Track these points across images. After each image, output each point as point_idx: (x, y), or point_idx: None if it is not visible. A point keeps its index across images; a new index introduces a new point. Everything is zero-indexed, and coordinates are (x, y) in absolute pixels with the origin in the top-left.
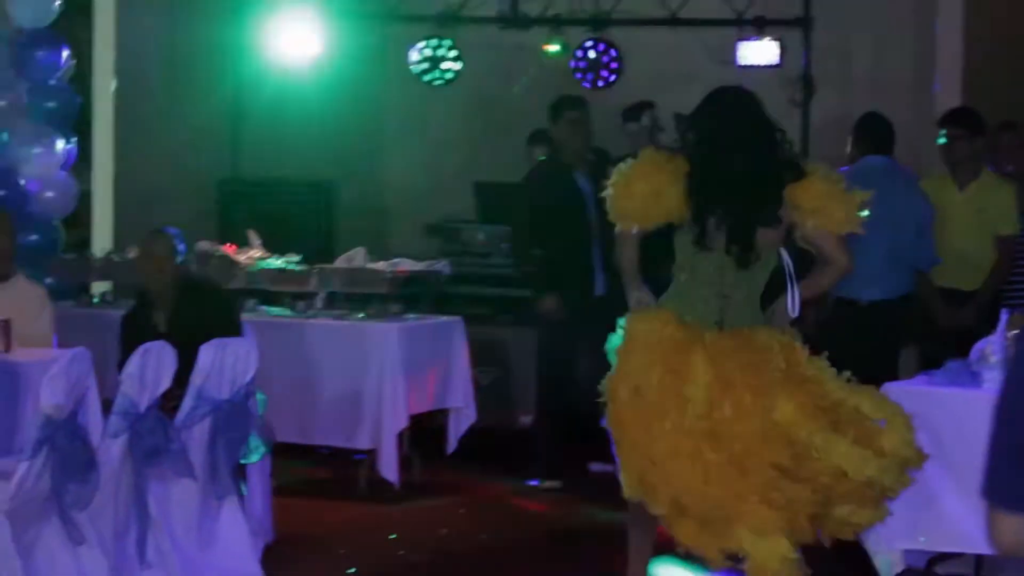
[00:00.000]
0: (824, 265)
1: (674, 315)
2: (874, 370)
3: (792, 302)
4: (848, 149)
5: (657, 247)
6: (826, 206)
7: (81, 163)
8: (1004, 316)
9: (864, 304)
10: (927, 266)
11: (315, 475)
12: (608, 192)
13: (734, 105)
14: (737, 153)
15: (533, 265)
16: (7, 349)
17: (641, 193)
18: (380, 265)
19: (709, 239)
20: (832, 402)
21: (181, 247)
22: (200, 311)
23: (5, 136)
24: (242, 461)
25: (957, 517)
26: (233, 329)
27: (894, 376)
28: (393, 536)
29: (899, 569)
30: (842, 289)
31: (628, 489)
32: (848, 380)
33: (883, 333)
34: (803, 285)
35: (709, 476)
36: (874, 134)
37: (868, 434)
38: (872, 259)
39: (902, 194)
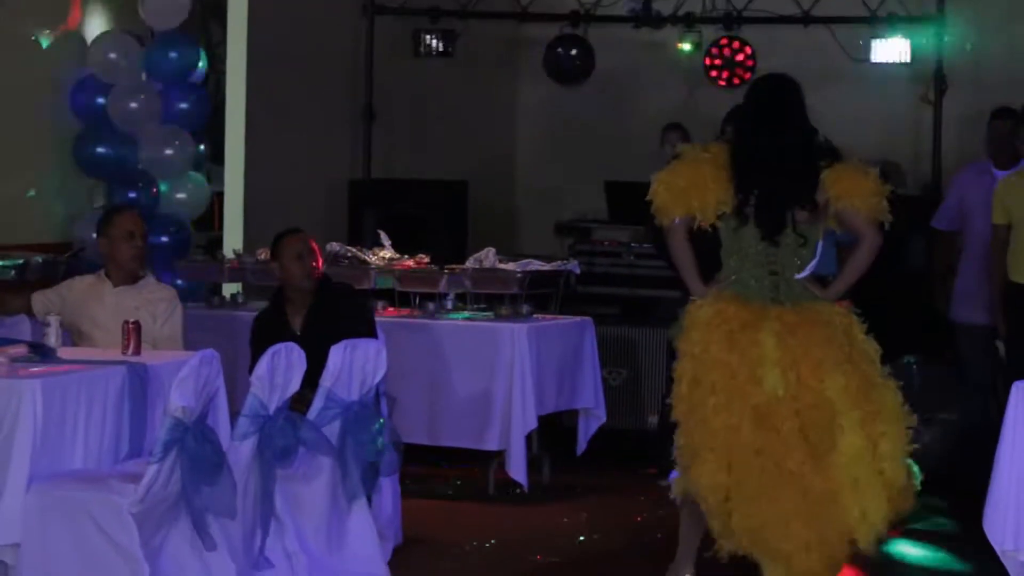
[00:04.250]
0: (859, 244)
1: (736, 296)
2: None
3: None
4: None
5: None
6: (854, 190)
7: (213, 164)
8: None
9: None
10: None
11: (444, 477)
12: (651, 192)
13: (772, 91)
14: (771, 134)
15: None
16: (136, 351)
17: (677, 186)
18: (510, 265)
19: (750, 217)
20: (871, 387)
21: None
22: (337, 313)
23: (137, 137)
24: (374, 462)
25: None
26: (368, 331)
27: None
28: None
29: None
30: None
31: (680, 481)
32: (883, 372)
33: None
34: (845, 267)
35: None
36: None
37: (880, 446)
38: None
39: None
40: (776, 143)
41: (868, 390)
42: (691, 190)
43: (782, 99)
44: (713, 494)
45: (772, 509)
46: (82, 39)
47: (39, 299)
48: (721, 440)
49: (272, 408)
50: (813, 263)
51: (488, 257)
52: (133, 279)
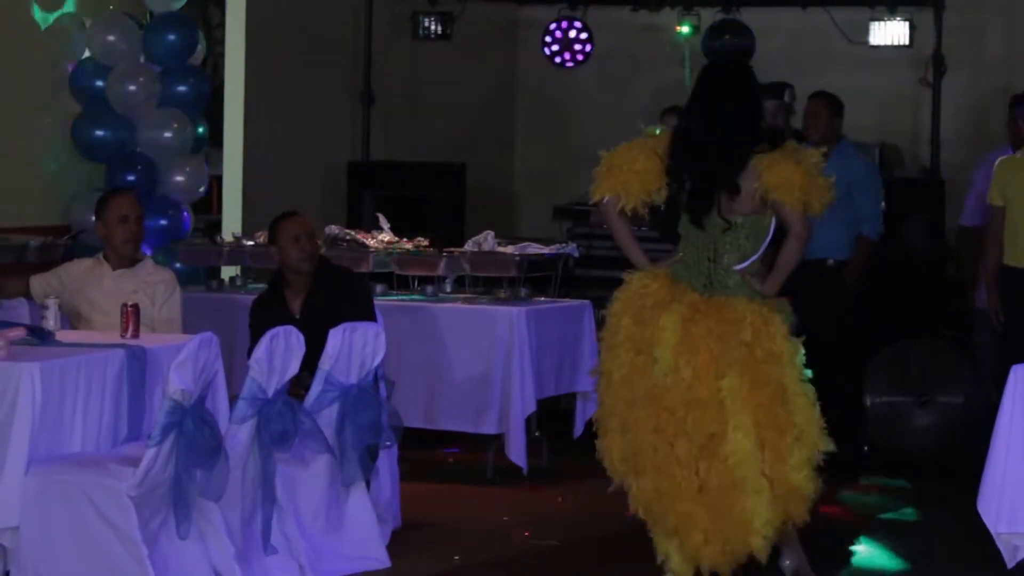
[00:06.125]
0: (787, 237)
1: (668, 275)
2: None
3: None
4: (823, 127)
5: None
6: (781, 180)
7: (211, 147)
8: None
9: None
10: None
11: (443, 461)
12: (594, 171)
13: (714, 77)
14: (704, 120)
15: None
16: (135, 334)
17: (611, 168)
18: (509, 248)
19: (683, 203)
20: (775, 389)
21: None
22: (335, 296)
23: (136, 120)
24: (372, 445)
25: None
26: (367, 314)
27: None
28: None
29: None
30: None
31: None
32: (802, 376)
33: None
34: (777, 261)
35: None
36: None
37: (778, 450)
38: None
39: None
40: (705, 126)
41: (768, 393)
42: (619, 174)
43: (719, 83)
44: (615, 463)
45: (664, 485)
46: (81, 21)
47: (38, 282)
48: (621, 412)
49: (271, 391)
50: (755, 256)
51: (487, 240)
52: (131, 262)
